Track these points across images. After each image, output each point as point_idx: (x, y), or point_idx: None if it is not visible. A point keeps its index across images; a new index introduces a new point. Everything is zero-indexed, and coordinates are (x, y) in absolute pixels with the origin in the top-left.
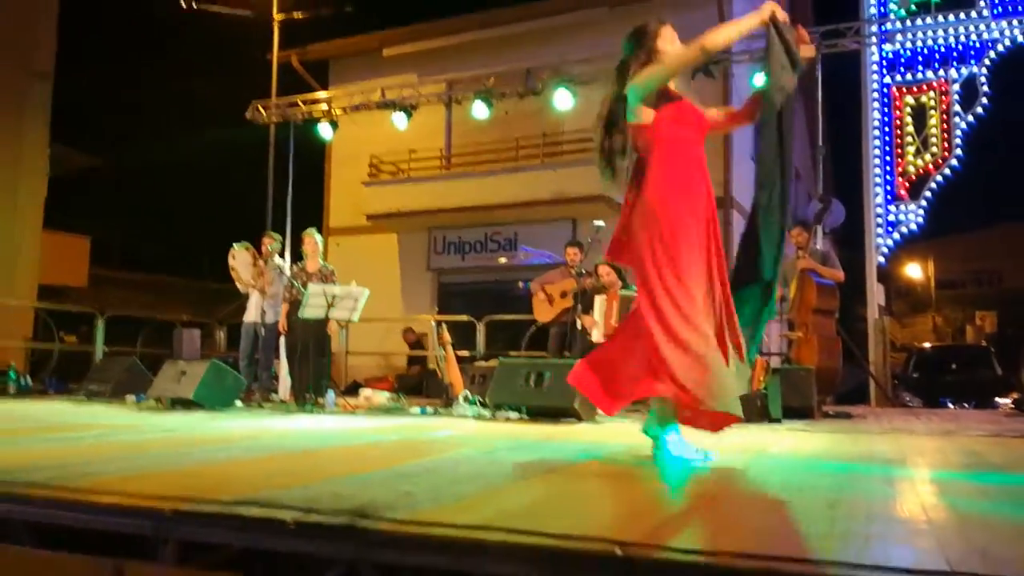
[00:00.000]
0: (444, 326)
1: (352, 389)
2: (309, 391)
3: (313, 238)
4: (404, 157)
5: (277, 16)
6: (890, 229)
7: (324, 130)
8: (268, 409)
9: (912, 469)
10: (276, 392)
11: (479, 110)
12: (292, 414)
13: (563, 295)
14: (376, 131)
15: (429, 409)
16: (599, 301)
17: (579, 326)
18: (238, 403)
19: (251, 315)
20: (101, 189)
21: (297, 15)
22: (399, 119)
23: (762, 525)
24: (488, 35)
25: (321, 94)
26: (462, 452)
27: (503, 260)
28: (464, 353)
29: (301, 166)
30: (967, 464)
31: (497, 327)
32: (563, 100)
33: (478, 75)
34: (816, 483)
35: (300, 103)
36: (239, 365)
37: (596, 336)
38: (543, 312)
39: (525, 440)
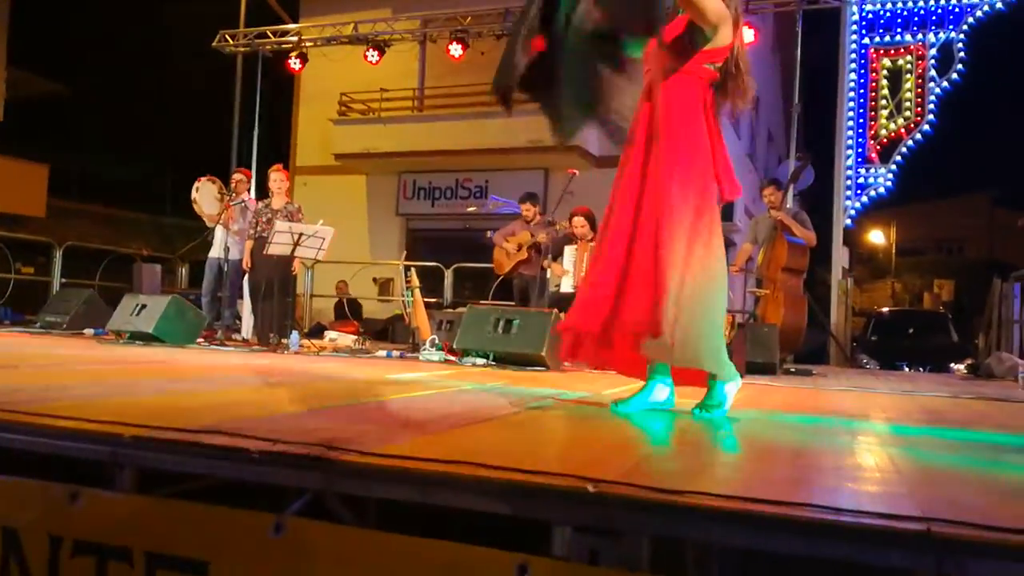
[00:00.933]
0: (413, 270)
1: (316, 331)
2: (273, 331)
3: (279, 175)
4: (375, 96)
5: None
6: (859, 192)
7: (294, 63)
8: (231, 348)
9: (875, 423)
10: (239, 331)
11: (455, 49)
12: (255, 351)
13: (518, 248)
14: (347, 67)
15: (395, 353)
16: (569, 251)
17: (548, 275)
18: (199, 340)
19: (215, 251)
20: (61, 116)
21: None
22: (371, 55)
23: (732, 471)
24: None
25: (291, 26)
26: (429, 393)
27: (472, 208)
28: (432, 300)
29: (269, 100)
30: (928, 420)
31: (464, 275)
32: (540, 43)
33: (455, 13)
34: (781, 435)
35: (269, 34)
36: (201, 301)
37: (566, 285)
38: (500, 265)
39: (493, 384)
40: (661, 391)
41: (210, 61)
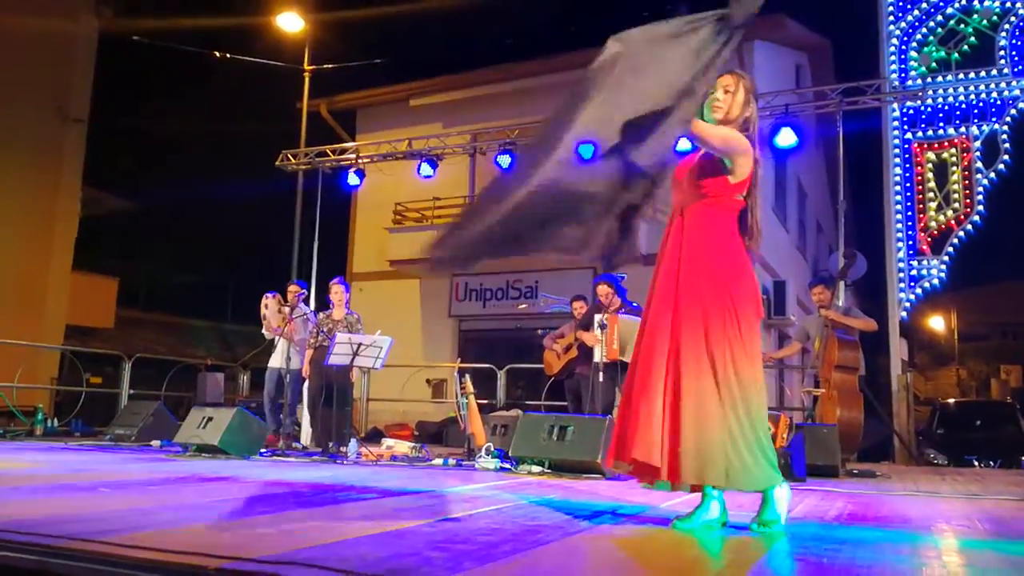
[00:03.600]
0: (467, 376)
1: (372, 436)
2: (332, 439)
3: (340, 287)
4: (429, 205)
5: (308, 67)
6: (912, 284)
7: (351, 179)
8: (292, 457)
9: (938, 537)
10: (299, 439)
11: (503, 160)
12: (317, 463)
13: (567, 349)
14: (401, 179)
15: (451, 460)
16: (597, 319)
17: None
18: (262, 450)
19: (277, 361)
20: (129, 231)
21: (327, 67)
22: (424, 169)
23: None
24: (512, 87)
25: (349, 144)
26: (489, 510)
27: (523, 307)
28: (484, 401)
29: (327, 213)
30: (993, 532)
31: (517, 375)
32: (585, 151)
33: (502, 126)
34: (840, 553)
35: (328, 152)
36: (264, 409)
37: (597, 355)
38: (550, 366)
39: (551, 497)
40: (714, 508)
41: (273, 177)
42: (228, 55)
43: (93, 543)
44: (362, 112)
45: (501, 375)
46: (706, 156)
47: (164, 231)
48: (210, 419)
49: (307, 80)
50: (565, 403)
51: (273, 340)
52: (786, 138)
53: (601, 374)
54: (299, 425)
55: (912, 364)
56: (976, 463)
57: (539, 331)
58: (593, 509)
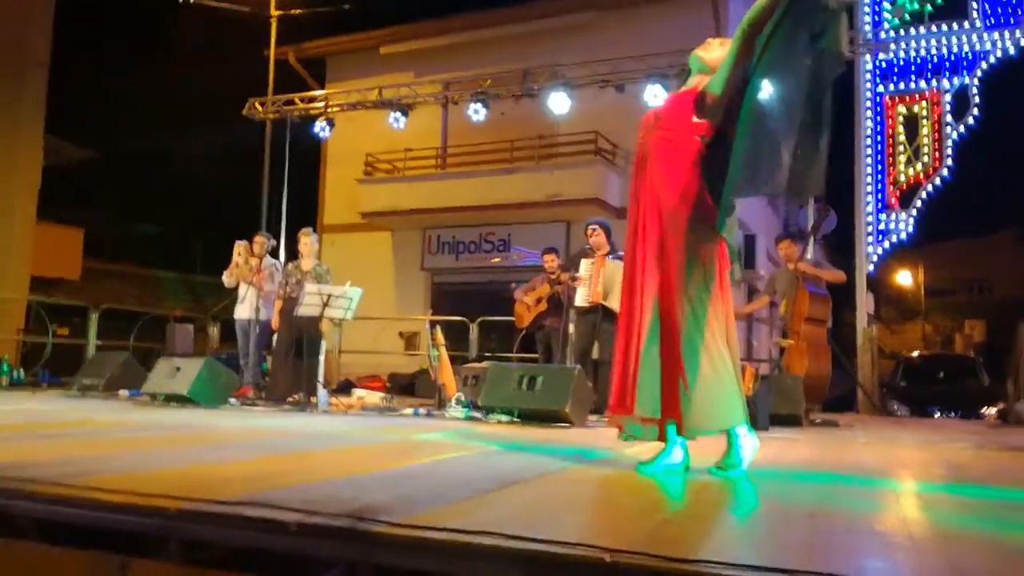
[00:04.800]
0: (438, 328)
1: (345, 388)
2: (302, 390)
3: (309, 238)
4: (400, 156)
5: (275, 12)
6: (880, 238)
7: (321, 128)
8: (261, 407)
9: (895, 481)
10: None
11: (475, 111)
12: (285, 412)
13: (537, 301)
14: (372, 129)
15: (422, 410)
16: (585, 264)
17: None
18: (232, 400)
19: (245, 312)
20: (95, 182)
21: (295, 12)
22: (395, 119)
23: (746, 536)
24: (485, 35)
25: (318, 92)
26: (456, 455)
27: (496, 260)
28: (457, 354)
29: (297, 163)
30: (949, 476)
31: (490, 328)
32: (559, 103)
33: (475, 75)
34: (798, 494)
35: (297, 101)
36: (237, 362)
37: (579, 299)
38: (520, 318)
39: (518, 443)
40: (677, 453)
41: (240, 126)
42: (192, 0)
43: (57, 486)
44: (332, 60)
45: (473, 327)
46: (686, 102)
47: (129, 181)
48: (179, 369)
49: (274, 26)
50: (537, 355)
51: (237, 289)
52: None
53: (576, 323)
54: (267, 377)
55: (879, 318)
56: (938, 414)
57: (512, 284)
58: (560, 454)
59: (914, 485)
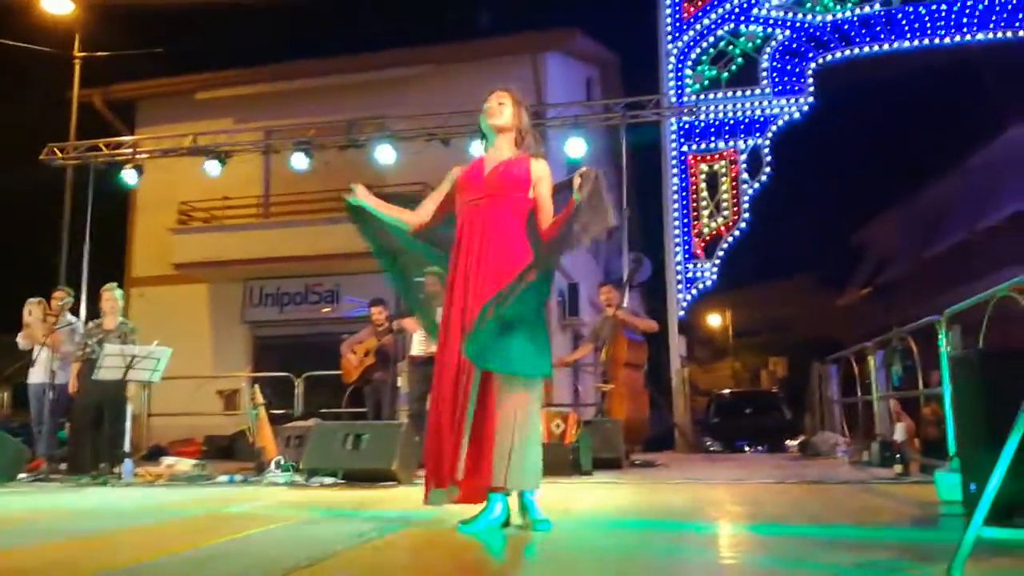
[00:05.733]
0: (257, 387)
1: (154, 454)
2: (104, 461)
3: (112, 294)
4: (218, 204)
5: (79, 54)
6: (688, 285)
7: (128, 175)
8: (57, 482)
9: (700, 523)
10: (65, 461)
11: (298, 161)
12: (83, 487)
13: (366, 354)
14: (187, 177)
15: (238, 477)
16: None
17: (399, 381)
18: (22, 475)
19: (39, 375)
20: None
21: (101, 54)
22: (211, 166)
23: None
24: (308, 84)
25: (126, 138)
26: (269, 529)
27: (327, 310)
28: (282, 412)
29: (101, 212)
30: (750, 515)
31: (317, 383)
32: (386, 154)
33: (299, 124)
34: (613, 543)
35: (102, 146)
36: (31, 430)
37: (416, 348)
38: (348, 373)
39: (337, 510)
40: (497, 509)
41: (41, 172)
42: None
43: None
44: (143, 104)
45: (299, 383)
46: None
47: None
48: None
49: (77, 68)
50: (366, 410)
51: (32, 352)
52: (576, 147)
53: (410, 373)
54: (66, 446)
55: (692, 358)
56: (747, 448)
57: (343, 336)
58: (379, 519)
59: (718, 526)
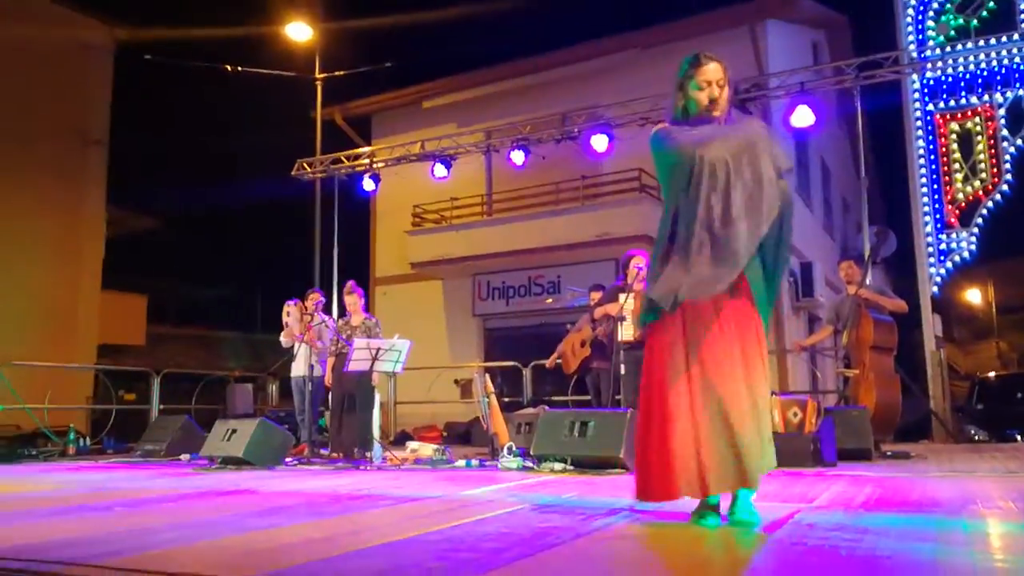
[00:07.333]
0: (487, 376)
1: (401, 439)
2: (357, 446)
3: (352, 295)
4: (447, 205)
5: (319, 76)
6: (942, 258)
7: (367, 184)
8: (318, 465)
9: (967, 521)
10: (326, 447)
11: (517, 157)
12: (340, 470)
13: (582, 344)
14: (418, 181)
15: (474, 461)
16: (625, 298)
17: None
18: (288, 460)
19: (300, 369)
20: (156, 248)
21: (339, 73)
22: (439, 170)
23: None
24: (523, 82)
25: (364, 149)
26: (503, 513)
27: (549, 301)
28: (511, 399)
29: (346, 218)
30: None
31: (544, 372)
32: (599, 143)
33: (515, 122)
34: (866, 542)
35: (344, 159)
36: (295, 419)
37: (625, 334)
38: (567, 363)
39: (570, 496)
40: (724, 503)
41: (293, 186)
42: (240, 68)
43: (91, 567)
44: (376, 117)
45: (527, 372)
46: None
47: (189, 245)
48: (234, 431)
49: (319, 88)
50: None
51: (293, 348)
52: (802, 117)
53: (623, 360)
54: (325, 431)
55: (951, 339)
56: (1019, 437)
57: (566, 325)
58: (610, 507)
59: (986, 525)
